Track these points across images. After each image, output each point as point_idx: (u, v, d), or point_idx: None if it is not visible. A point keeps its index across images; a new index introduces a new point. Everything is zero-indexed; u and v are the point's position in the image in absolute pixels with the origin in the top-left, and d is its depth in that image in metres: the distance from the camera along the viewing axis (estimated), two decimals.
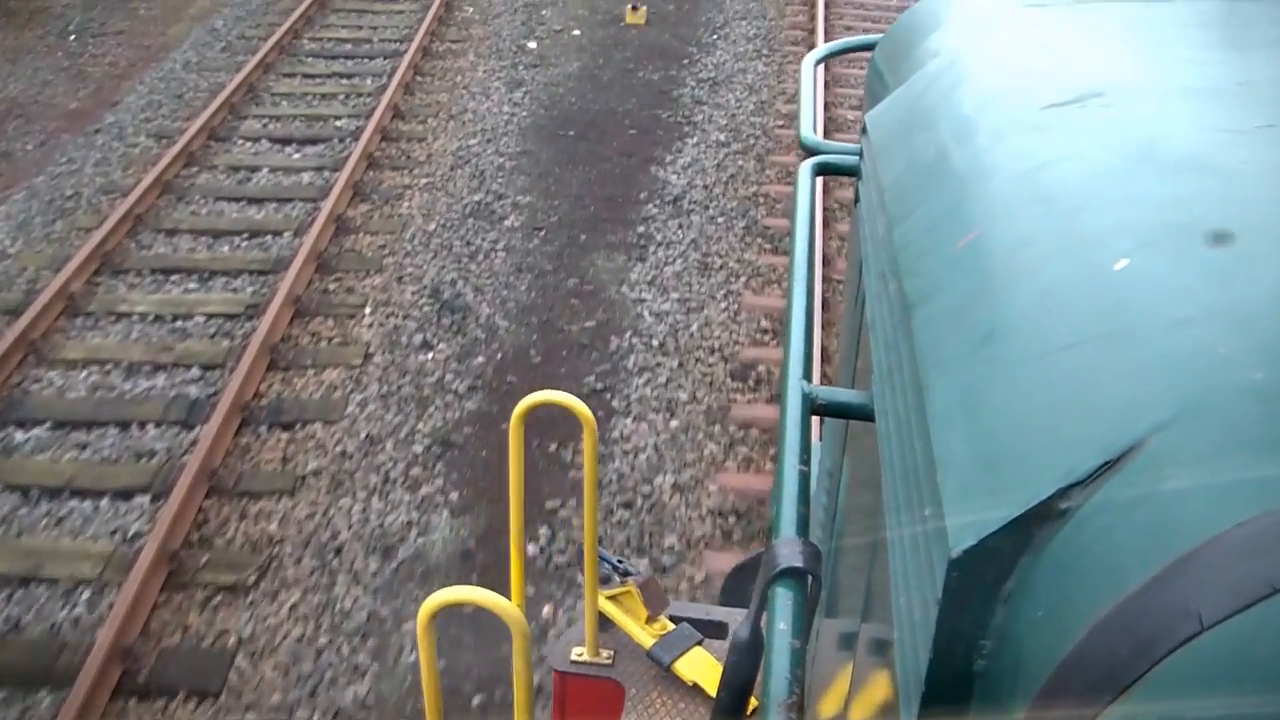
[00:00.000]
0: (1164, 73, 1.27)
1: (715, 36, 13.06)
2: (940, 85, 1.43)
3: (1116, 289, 0.86)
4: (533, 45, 12.70)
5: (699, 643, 3.00)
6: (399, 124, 10.63)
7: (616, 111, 11.04)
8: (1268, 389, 0.70)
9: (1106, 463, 0.71)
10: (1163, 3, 1.55)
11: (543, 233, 8.78)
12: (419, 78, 11.68)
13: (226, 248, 8.46)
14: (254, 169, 9.64)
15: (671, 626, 3.03)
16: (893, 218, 1.25)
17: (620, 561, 3.10)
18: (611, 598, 3.04)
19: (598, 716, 2.95)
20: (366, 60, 12.11)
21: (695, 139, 10.38)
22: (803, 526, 1.11)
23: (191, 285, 8.00)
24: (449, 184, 9.43)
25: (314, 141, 10.16)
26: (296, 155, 9.91)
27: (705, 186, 9.45)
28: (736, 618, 3.08)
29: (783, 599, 1.01)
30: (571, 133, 10.56)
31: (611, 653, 3.02)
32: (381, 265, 8.23)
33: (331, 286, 8.01)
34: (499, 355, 7.32)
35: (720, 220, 8.88)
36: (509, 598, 1.89)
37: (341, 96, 11.16)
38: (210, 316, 7.63)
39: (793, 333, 1.42)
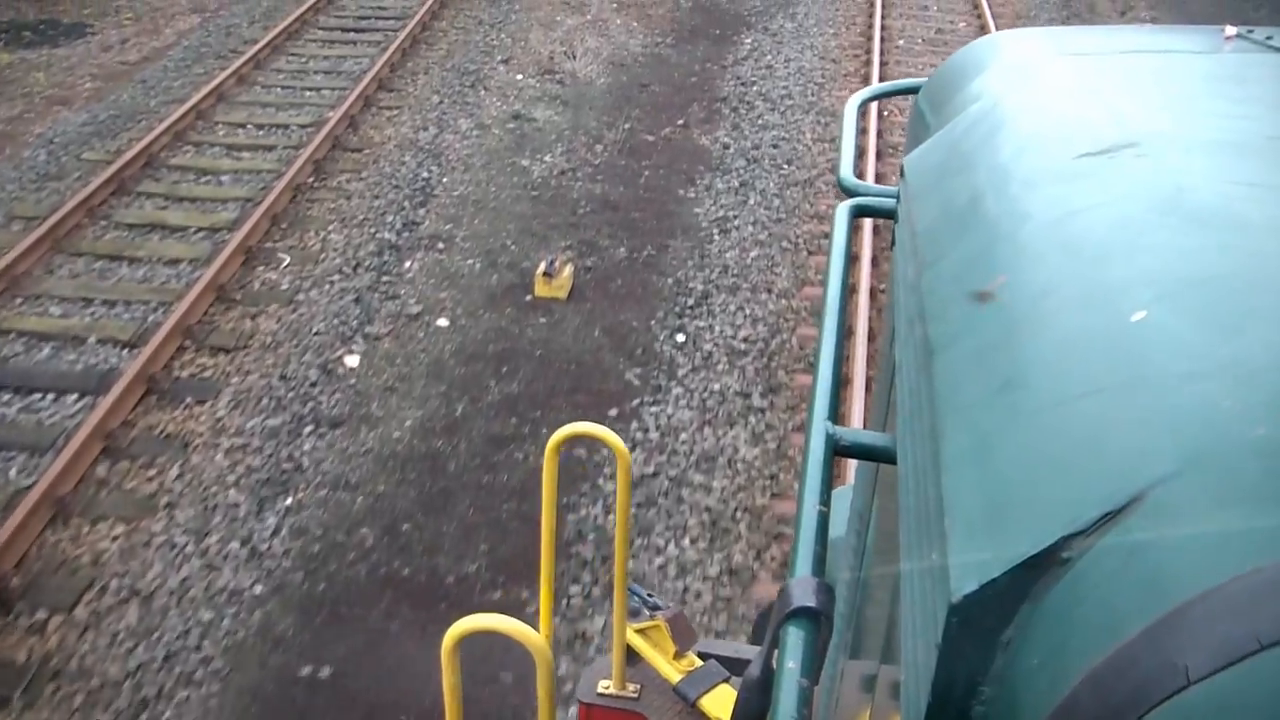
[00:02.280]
0: (1197, 125, 1.29)
1: (678, 336, 7.53)
2: (977, 131, 1.44)
3: (1132, 340, 0.87)
4: (353, 362, 7.27)
5: (725, 680, 2.97)
6: None
7: (436, 586, 5.57)
8: (1268, 445, 0.70)
9: (1108, 513, 0.71)
10: (1200, 56, 1.62)
11: None
12: (84, 495, 6.28)
13: None
14: None
15: (699, 663, 3.00)
16: (923, 262, 1.26)
17: (650, 596, 3.02)
18: (640, 631, 3.00)
19: None
20: (16, 427, 6.76)
21: None
22: (818, 566, 1.11)
23: None
24: None
25: None
26: None
27: None
28: None
29: (794, 638, 1.01)
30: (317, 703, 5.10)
31: (638, 686, 2.99)
32: None
33: None
34: None
35: None
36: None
37: None
38: None
39: (820, 373, 1.43)
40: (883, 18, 14.19)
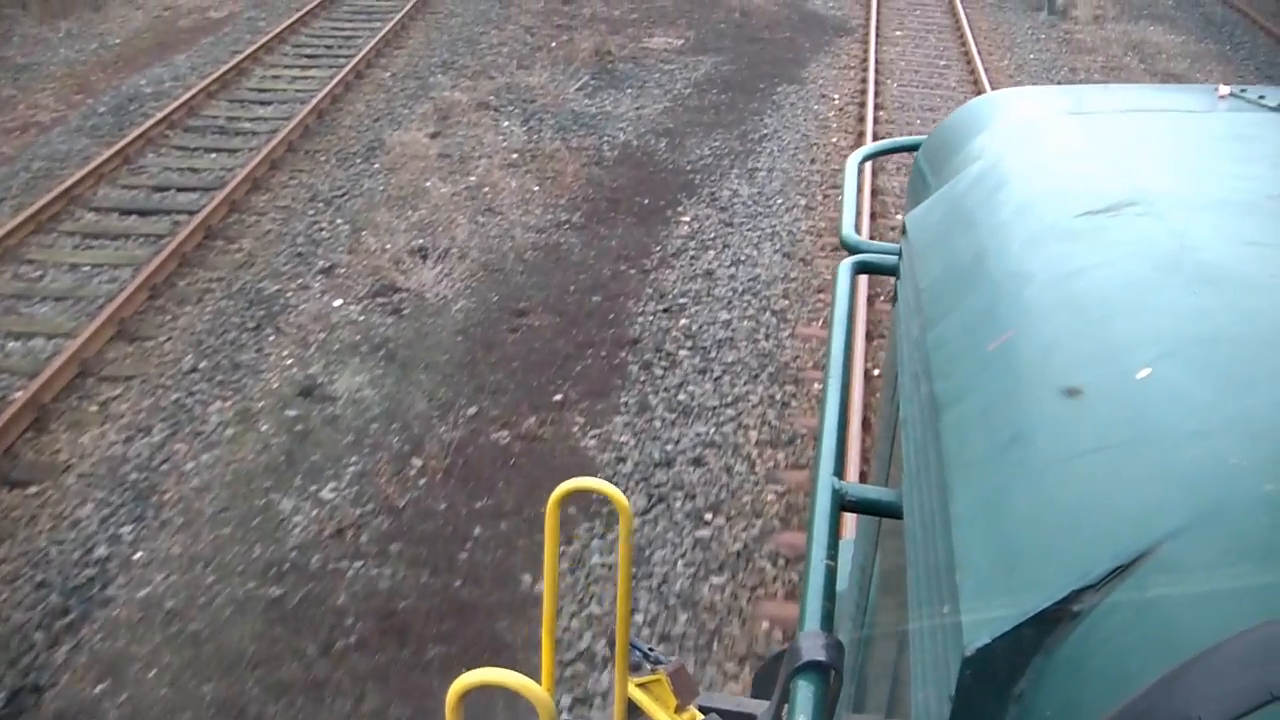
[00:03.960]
0: (1198, 184, 1.31)
1: None
2: (980, 189, 1.46)
3: (1138, 397, 0.88)
4: None
5: None
6: None
7: None
8: (1277, 500, 0.72)
9: (1119, 567, 0.73)
10: (1196, 114, 1.67)
11: None
12: None
13: None
14: None
15: (700, 716, 3.00)
16: (927, 319, 1.27)
17: (652, 650, 3.04)
18: (641, 685, 2.99)
19: None
20: None
21: None
22: (827, 621, 1.11)
23: None
24: None
25: None
26: None
27: None
28: None
29: (804, 692, 1.01)
30: None
31: None
32: None
33: None
34: None
35: None
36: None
37: None
38: None
39: (826, 428, 1.43)
40: (875, 175, 10.28)
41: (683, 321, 7.94)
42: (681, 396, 7.03)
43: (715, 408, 6.90)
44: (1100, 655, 0.70)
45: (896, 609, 1.36)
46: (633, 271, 8.78)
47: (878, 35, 15.33)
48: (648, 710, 2.96)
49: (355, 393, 7.19)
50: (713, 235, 9.33)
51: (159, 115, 11.72)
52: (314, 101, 12.13)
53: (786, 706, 1.01)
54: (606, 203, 10.09)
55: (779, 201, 9.94)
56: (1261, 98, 1.68)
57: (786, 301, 8.20)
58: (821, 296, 8.25)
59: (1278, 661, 0.60)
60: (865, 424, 6.22)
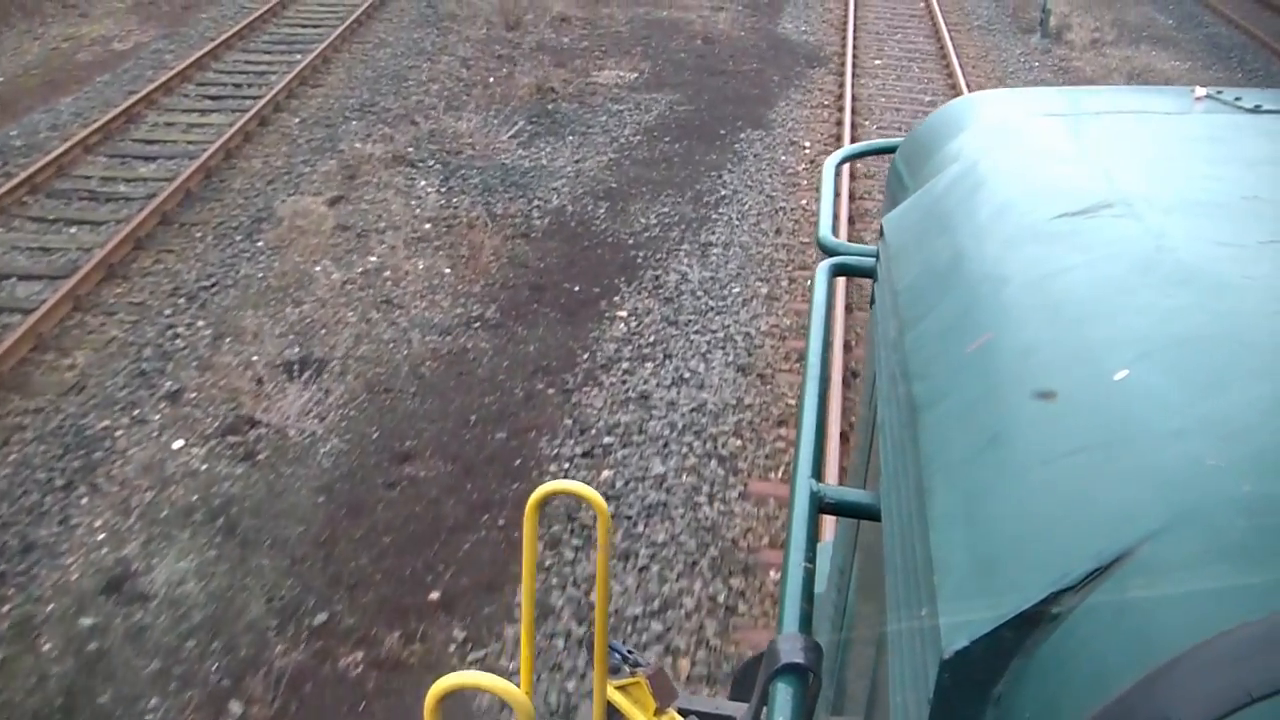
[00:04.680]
0: (1173, 186, 1.31)
1: None
2: (956, 191, 1.45)
3: (1116, 398, 0.88)
4: None
5: None
6: None
7: None
8: (1255, 501, 0.72)
9: (1097, 569, 0.72)
10: (1172, 116, 1.67)
11: None
12: None
13: None
14: None
15: (679, 719, 2.98)
16: (905, 321, 1.27)
17: (630, 652, 3.01)
18: (620, 688, 2.96)
19: None
20: None
21: None
22: (805, 623, 1.12)
23: None
24: None
25: None
26: None
27: None
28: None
29: (783, 694, 1.01)
30: None
31: None
32: None
33: None
34: None
35: None
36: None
37: None
38: None
39: (804, 431, 1.43)
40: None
41: (605, 474, 6.31)
42: (586, 609, 5.40)
43: (637, 618, 5.28)
44: (1079, 657, 0.70)
45: (875, 612, 1.32)
46: (551, 391, 7.16)
47: (854, 66, 13.75)
48: (626, 713, 2.93)
49: (176, 587, 5.54)
50: (653, 338, 7.71)
51: (21, 176, 10.06)
52: (204, 157, 10.47)
53: (765, 709, 1.00)
54: (529, 290, 8.47)
55: (735, 290, 8.33)
56: (1237, 99, 1.67)
57: (739, 442, 6.57)
58: (782, 431, 6.64)
59: (1256, 663, 0.60)
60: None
